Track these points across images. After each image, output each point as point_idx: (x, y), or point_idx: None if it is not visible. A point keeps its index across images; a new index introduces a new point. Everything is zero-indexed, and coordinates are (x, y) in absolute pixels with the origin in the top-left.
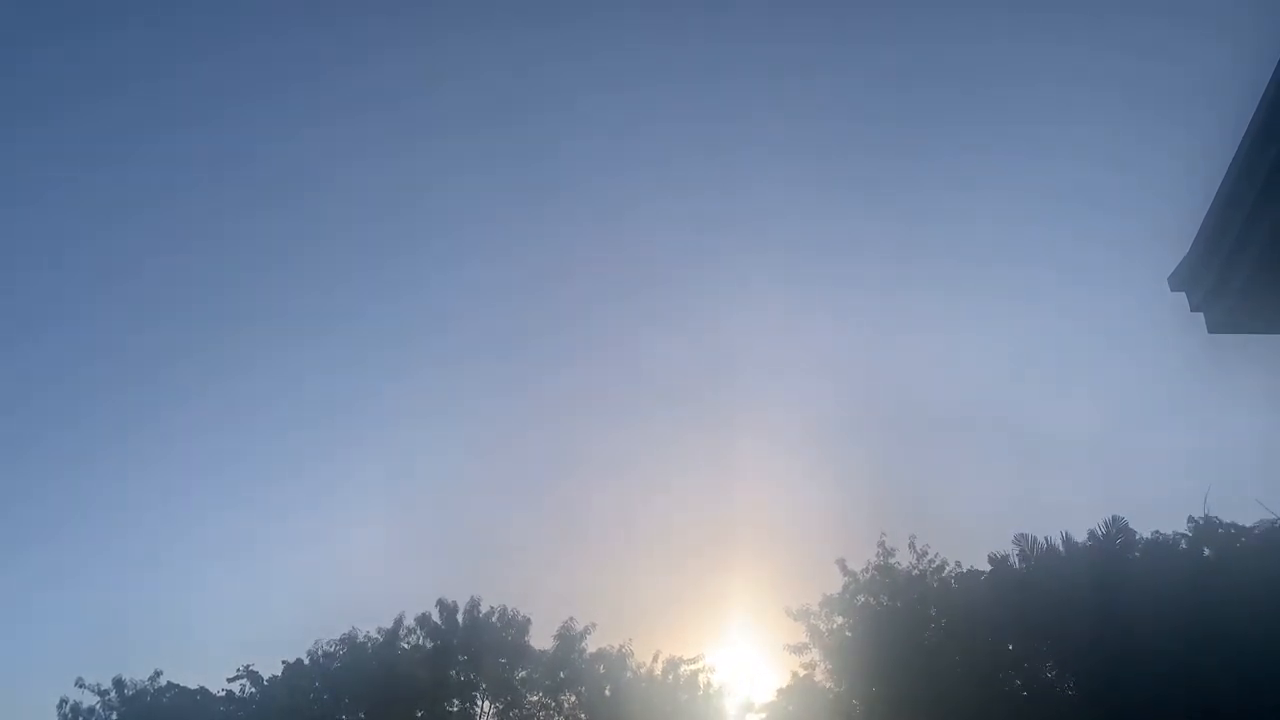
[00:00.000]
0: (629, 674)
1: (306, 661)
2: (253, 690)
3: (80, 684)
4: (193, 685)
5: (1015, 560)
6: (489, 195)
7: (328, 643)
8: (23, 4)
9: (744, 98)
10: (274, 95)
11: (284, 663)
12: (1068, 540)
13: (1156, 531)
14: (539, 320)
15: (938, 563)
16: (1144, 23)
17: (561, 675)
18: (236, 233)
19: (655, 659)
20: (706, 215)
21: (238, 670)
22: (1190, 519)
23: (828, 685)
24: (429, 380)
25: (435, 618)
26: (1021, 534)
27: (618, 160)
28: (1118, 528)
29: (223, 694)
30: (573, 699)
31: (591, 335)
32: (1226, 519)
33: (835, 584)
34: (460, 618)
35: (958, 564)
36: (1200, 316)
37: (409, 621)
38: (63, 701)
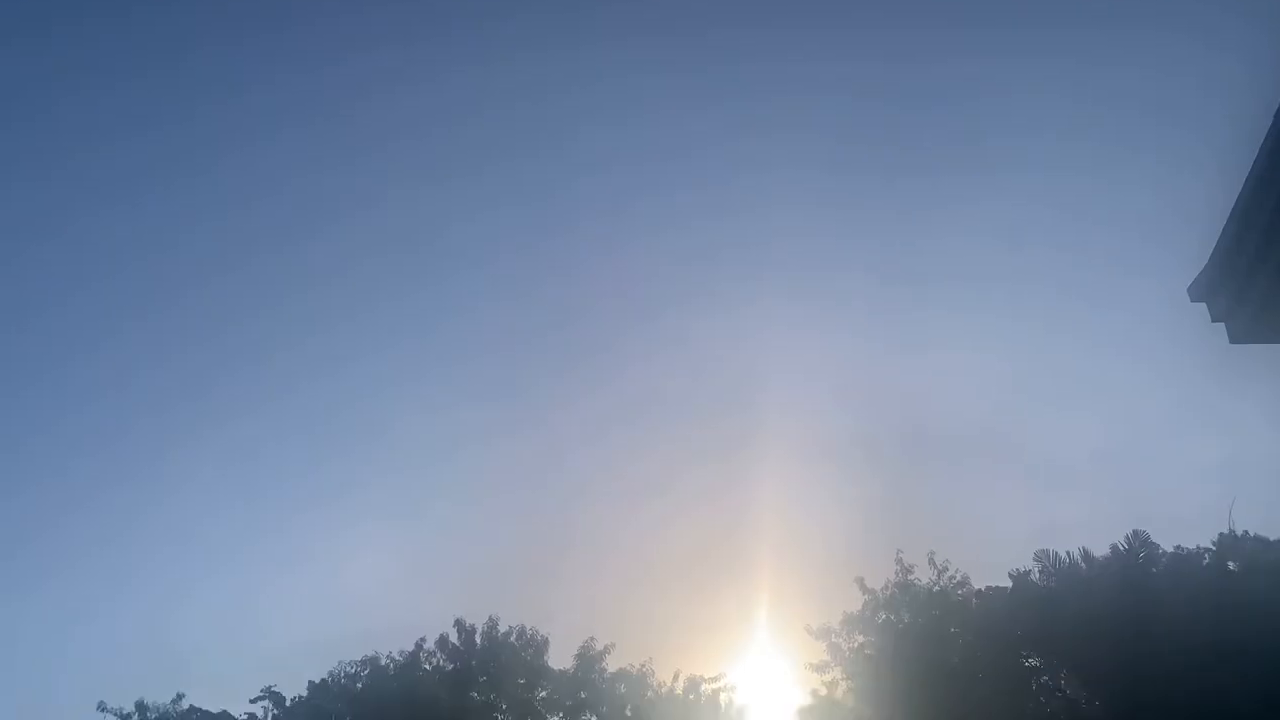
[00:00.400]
0: (650, 693)
1: (329, 683)
2: (275, 713)
3: (102, 708)
4: (215, 708)
5: (1036, 576)
6: (504, 228)
7: (349, 664)
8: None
9: (744, 118)
10: (285, 133)
11: (310, 682)
12: (1089, 556)
13: (1179, 546)
14: (553, 348)
15: (958, 579)
16: (1157, 33)
17: (582, 695)
18: (260, 262)
19: (676, 678)
20: (716, 238)
21: (260, 692)
22: (1217, 534)
23: (850, 704)
24: (448, 405)
25: (454, 639)
26: (1042, 550)
27: (621, 188)
28: (1140, 542)
29: (245, 716)
30: (593, 719)
31: (607, 362)
32: (1252, 532)
33: (855, 602)
34: (479, 638)
35: (966, 579)
36: (1221, 327)
37: (429, 644)
38: None
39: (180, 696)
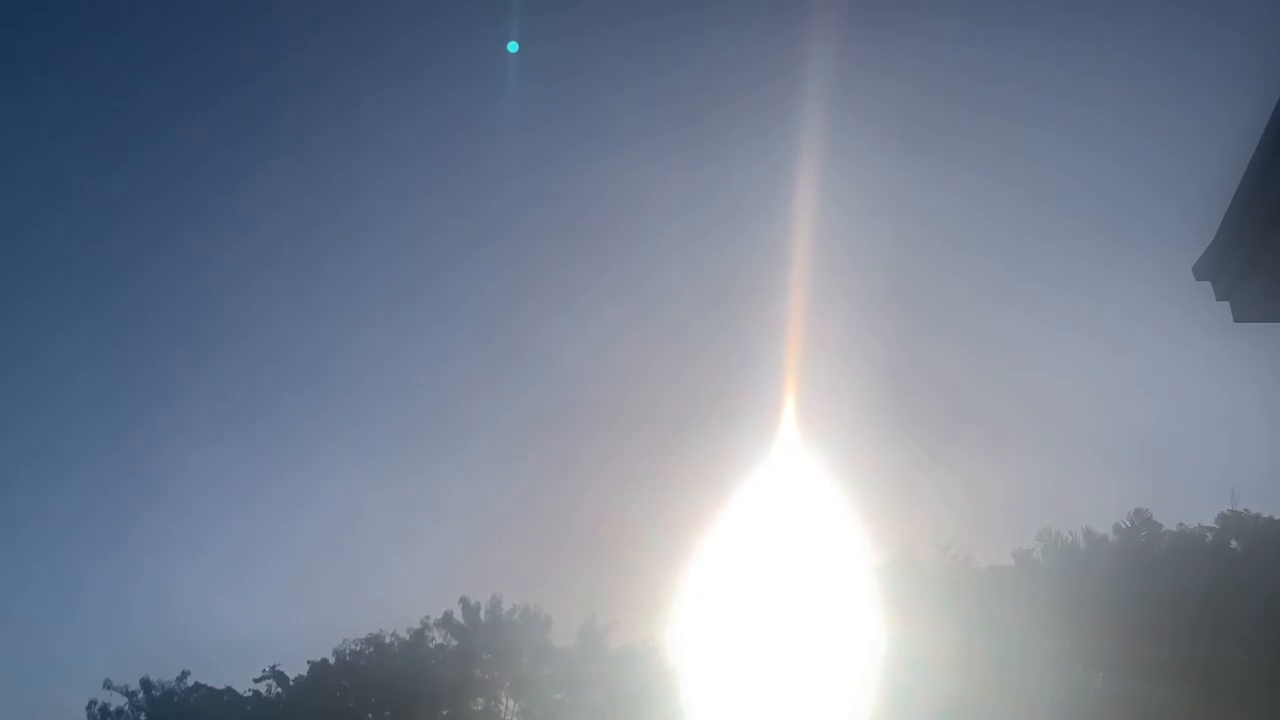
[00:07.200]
0: (652, 670)
1: (332, 661)
2: (279, 691)
3: (109, 685)
4: (219, 686)
5: (1039, 555)
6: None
7: (354, 642)
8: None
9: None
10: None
11: (310, 663)
12: (1090, 534)
13: (1182, 524)
14: (561, 328)
15: (961, 557)
16: (1161, 10)
17: (585, 672)
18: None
19: (677, 655)
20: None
21: (264, 671)
22: (1218, 513)
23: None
24: (450, 382)
25: (458, 616)
26: (1045, 529)
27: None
28: (1142, 521)
29: (250, 694)
30: (596, 696)
31: (611, 339)
32: (1254, 510)
33: (861, 578)
34: (483, 616)
35: (968, 561)
36: (1226, 305)
37: (433, 621)
38: (92, 703)
39: (185, 675)
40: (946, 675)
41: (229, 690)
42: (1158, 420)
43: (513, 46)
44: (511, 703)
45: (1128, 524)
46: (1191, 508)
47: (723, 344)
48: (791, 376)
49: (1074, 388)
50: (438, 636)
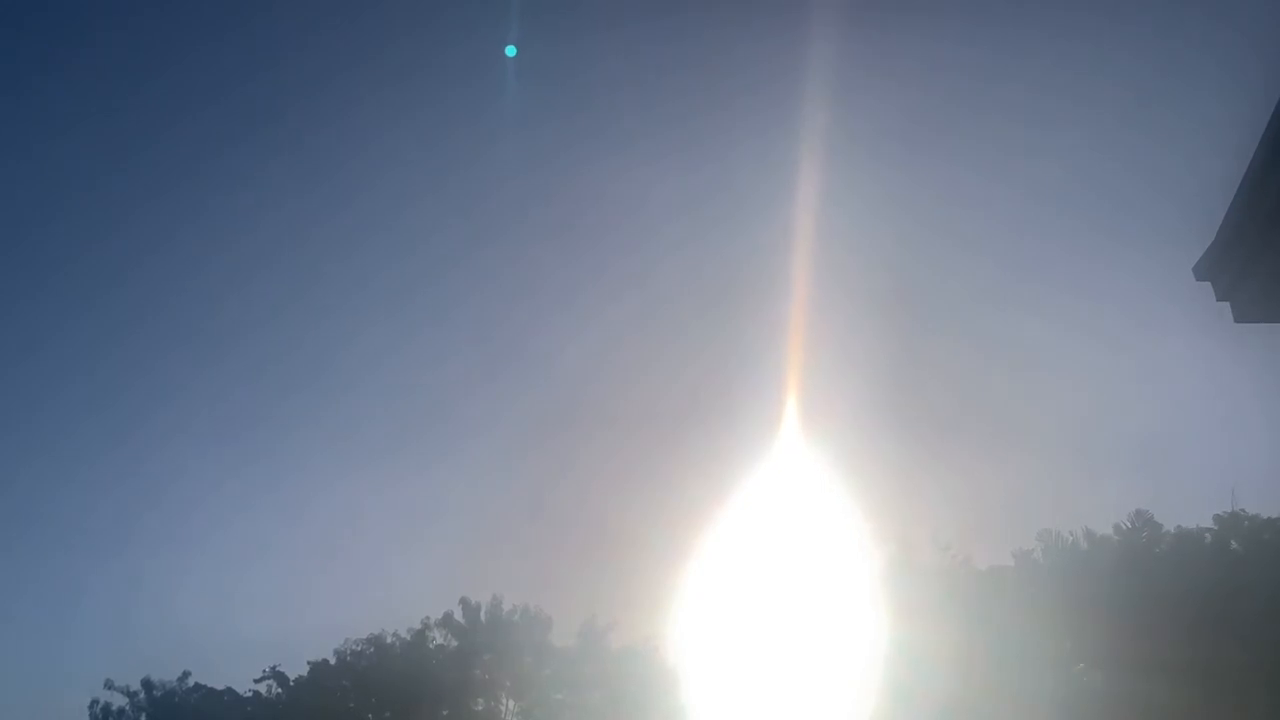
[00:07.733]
0: (653, 669)
1: (333, 662)
2: (280, 691)
3: (110, 685)
4: (220, 686)
5: (1039, 555)
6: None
7: (354, 643)
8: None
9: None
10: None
11: (310, 663)
12: (1090, 535)
13: (1181, 525)
14: (561, 328)
15: (961, 557)
16: (1161, 8)
17: (585, 672)
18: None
19: (677, 654)
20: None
21: (265, 671)
22: (1218, 514)
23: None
24: (450, 382)
25: (459, 616)
26: (1045, 529)
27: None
28: (1143, 521)
29: (250, 695)
30: (597, 696)
31: (611, 339)
32: (1254, 511)
33: (861, 578)
34: (483, 616)
35: (968, 561)
36: (1226, 306)
37: (434, 621)
38: (93, 703)
39: (186, 675)
40: (946, 675)
41: (229, 690)
42: (1158, 420)
43: (510, 51)
44: (512, 703)
45: (1128, 524)
46: (1191, 508)
47: (723, 344)
48: (792, 377)
49: (1074, 388)
50: (438, 636)
